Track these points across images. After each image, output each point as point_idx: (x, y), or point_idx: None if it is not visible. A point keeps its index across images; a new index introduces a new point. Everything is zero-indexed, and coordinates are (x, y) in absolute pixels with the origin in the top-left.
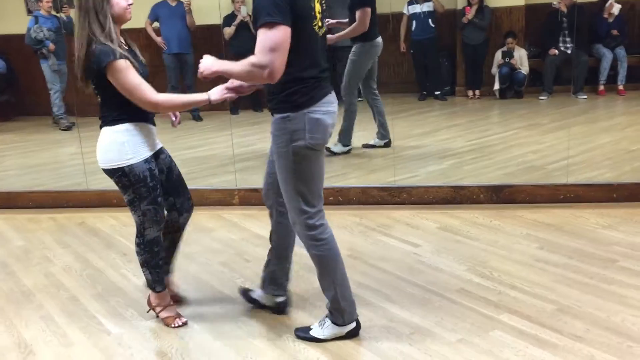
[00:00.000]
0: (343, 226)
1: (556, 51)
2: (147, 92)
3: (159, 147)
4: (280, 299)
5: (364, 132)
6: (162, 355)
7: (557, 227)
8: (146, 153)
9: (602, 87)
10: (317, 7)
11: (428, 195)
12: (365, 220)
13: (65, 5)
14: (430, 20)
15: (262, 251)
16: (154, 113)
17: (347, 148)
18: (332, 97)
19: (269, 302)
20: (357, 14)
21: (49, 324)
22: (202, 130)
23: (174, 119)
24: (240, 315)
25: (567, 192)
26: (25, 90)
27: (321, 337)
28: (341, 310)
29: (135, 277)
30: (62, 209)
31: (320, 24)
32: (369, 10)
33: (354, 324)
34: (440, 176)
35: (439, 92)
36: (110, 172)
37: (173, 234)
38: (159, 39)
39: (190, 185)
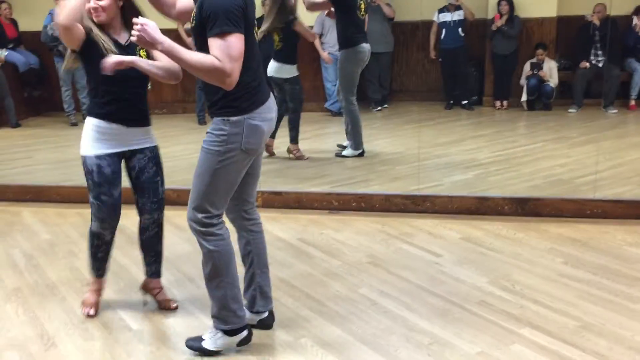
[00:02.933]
0: (365, 233)
1: (587, 64)
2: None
3: (134, 147)
4: (264, 315)
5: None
6: (182, 353)
7: (582, 242)
8: (102, 150)
9: (633, 102)
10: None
11: (452, 205)
12: (387, 227)
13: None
14: (460, 29)
15: (282, 254)
16: (134, 116)
17: (358, 152)
18: (271, 102)
19: (253, 320)
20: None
21: (71, 318)
22: None
23: None
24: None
25: (594, 207)
26: (56, 85)
27: (211, 347)
28: (230, 311)
29: None
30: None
31: (257, 29)
32: (329, 4)
33: (245, 333)
34: (465, 186)
35: (466, 102)
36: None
37: (140, 235)
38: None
39: None
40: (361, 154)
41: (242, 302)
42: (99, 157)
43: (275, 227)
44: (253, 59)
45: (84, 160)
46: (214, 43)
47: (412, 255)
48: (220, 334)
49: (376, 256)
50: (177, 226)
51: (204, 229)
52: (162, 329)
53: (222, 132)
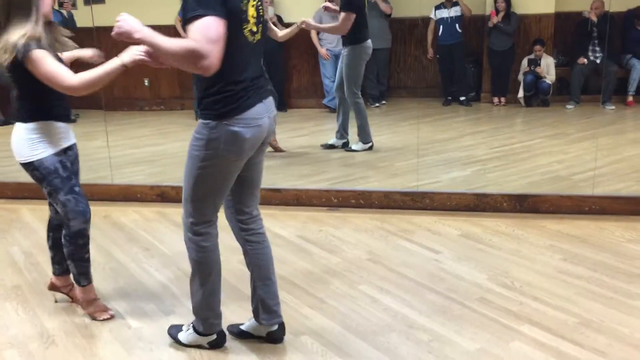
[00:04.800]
0: (364, 229)
1: (585, 60)
2: (63, 77)
3: (70, 142)
4: (273, 328)
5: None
6: (181, 350)
7: (581, 239)
8: (55, 148)
9: (630, 98)
10: (252, 11)
11: (450, 201)
12: (386, 224)
13: (66, 1)
14: (457, 25)
15: (281, 251)
16: (69, 112)
17: (368, 145)
18: (260, 108)
19: (261, 332)
20: (341, 16)
21: (70, 316)
22: None
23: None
24: None
25: (592, 203)
26: None
27: (183, 341)
28: (203, 318)
29: (157, 272)
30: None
31: (254, 29)
32: (353, 15)
33: (214, 336)
34: (463, 183)
35: (464, 98)
36: (24, 166)
37: (54, 233)
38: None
39: None
40: (371, 147)
41: (218, 311)
42: (57, 154)
43: (274, 224)
44: (236, 58)
45: (40, 163)
46: (190, 27)
47: (412, 252)
48: (192, 330)
49: (375, 253)
50: (175, 223)
51: (191, 235)
52: (162, 327)
53: (202, 137)
